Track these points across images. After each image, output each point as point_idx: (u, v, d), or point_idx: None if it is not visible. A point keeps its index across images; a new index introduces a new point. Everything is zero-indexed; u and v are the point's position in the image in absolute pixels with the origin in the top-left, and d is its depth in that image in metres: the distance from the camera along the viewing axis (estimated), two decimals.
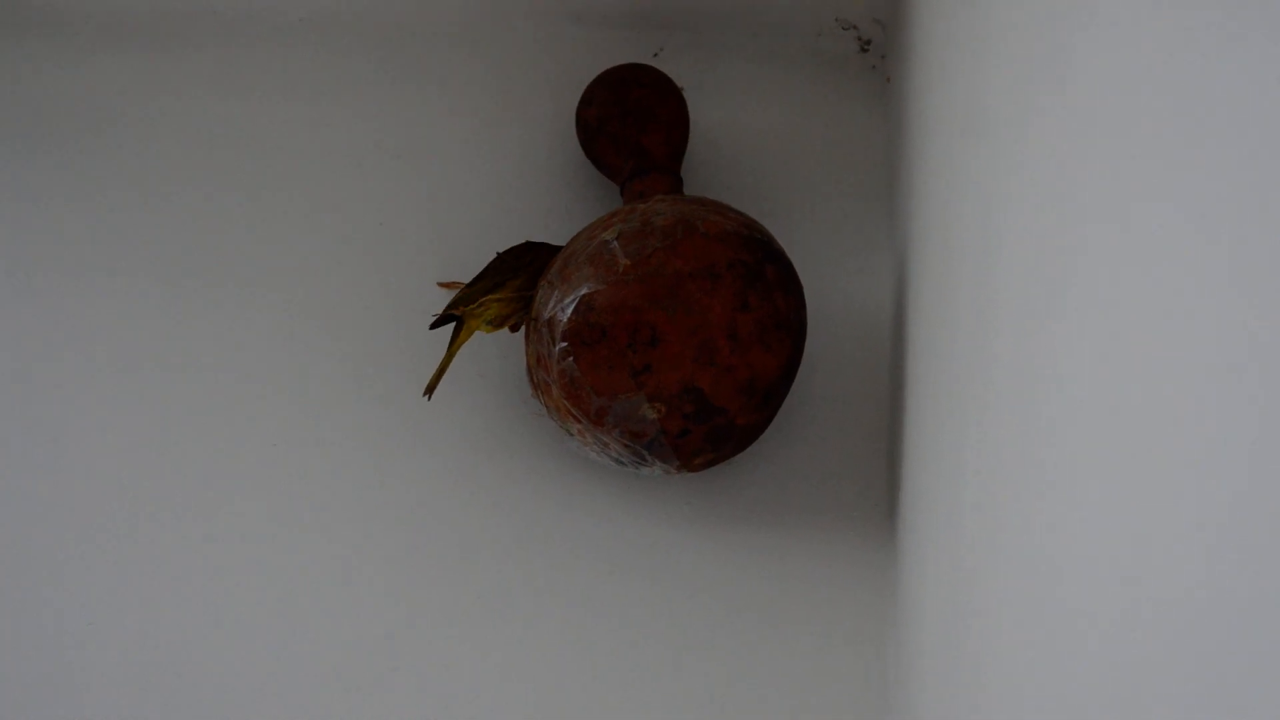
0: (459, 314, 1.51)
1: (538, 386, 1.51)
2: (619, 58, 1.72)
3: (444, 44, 1.75)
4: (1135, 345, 0.73)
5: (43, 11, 1.72)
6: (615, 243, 1.47)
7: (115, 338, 1.61)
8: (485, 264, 1.58)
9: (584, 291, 1.46)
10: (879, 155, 1.71)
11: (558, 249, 1.57)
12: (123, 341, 1.61)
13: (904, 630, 1.42)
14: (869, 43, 1.76)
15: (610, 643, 1.52)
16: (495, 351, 1.62)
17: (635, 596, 1.54)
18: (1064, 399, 0.86)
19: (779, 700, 1.50)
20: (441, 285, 1.59)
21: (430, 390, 1.52)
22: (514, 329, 1.57)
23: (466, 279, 1.59)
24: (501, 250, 1.60)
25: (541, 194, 1.70)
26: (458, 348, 1.52)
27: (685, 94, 1.69)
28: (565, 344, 1.46)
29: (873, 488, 1.57)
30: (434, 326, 1.52)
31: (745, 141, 1.72)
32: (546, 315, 1.48)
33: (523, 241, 1.61)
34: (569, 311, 1.46)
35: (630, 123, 1.63)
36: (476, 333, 1.53)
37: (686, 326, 1.45)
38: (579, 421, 1.47)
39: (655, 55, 1.75)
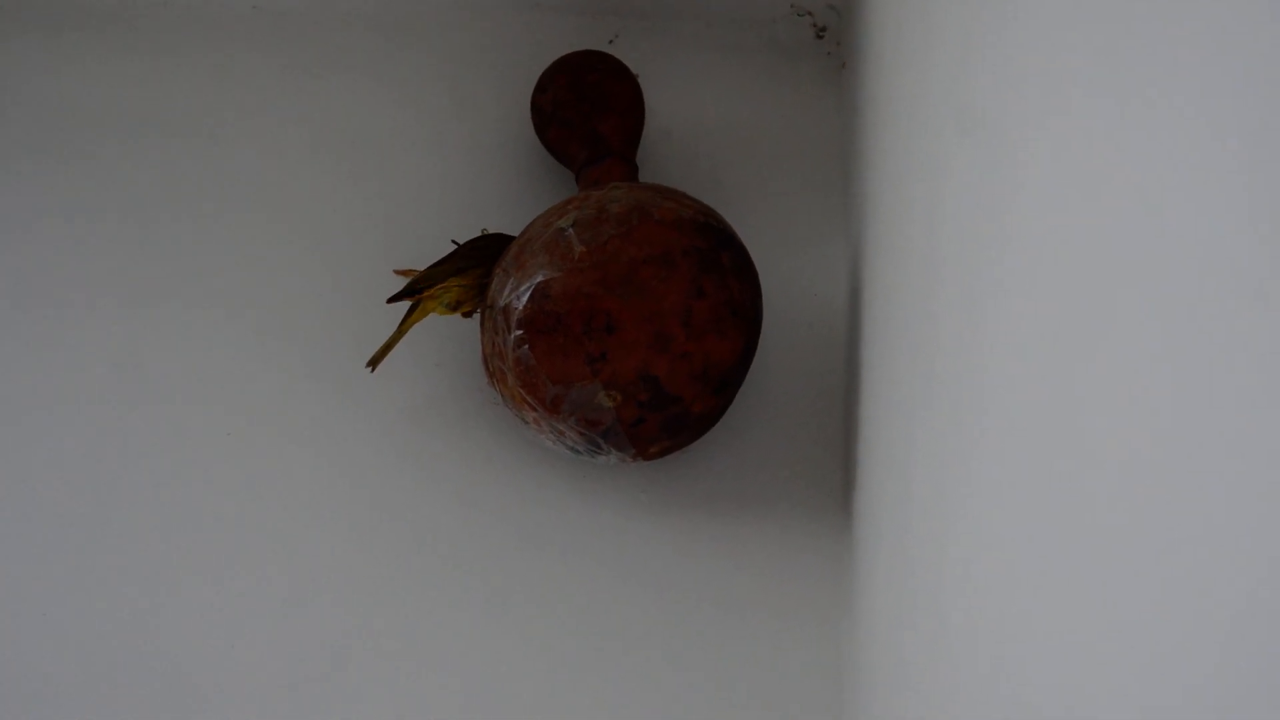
0: (418, 291, 1.52)
1: (493, 375, 1.51)
2: (573, 45, 1.72)
3: (396, 31, 1.75)
4: (1075, 331, 0.74)
5: None
6: (570, 230, 1.47)
7: (67, 335, 1.60)
8: (444, 252, 1.58)
9: (539, 279, 1.45)
10: (834, 142, 1.71)
11: None
12: (74, 338, 1.60)
13: (858, 616, 1.42)
14: (824, 29, 1.76)
15: (566, 631, 1.52)
16: (451, 340, 1.62)
17: (591, 585, 1.54)
18: (1004, 383, 0.86)
19: (735, 687, 1.50)
20: (398, 273, 1.59)
21: (374, 363, 1.52)
22: (468, 314, 1.57)
23: (423, 267, 1.58)
24: (457, 240, 1.60)
25: (496, 182, 1.69)
26: (410, 326, 1.53)
27: (640, 81, 1.69)
28: (520, 332, 1.45)
29: (828, 475, 1.57)
30: (391, 301, 1.52)
31: (700, 128, 1.72)
32: (502, 303, 1.47)
33: (486, 232, 1.61)
34: (524, 299, 1.45)
35: (585, 109, 1.63)
36: (431, 316, 1.53)
37: (642, 313, 1.45)
38: (534, 410, 1.47)
39: (610, 42, 1.75)
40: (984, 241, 0.94)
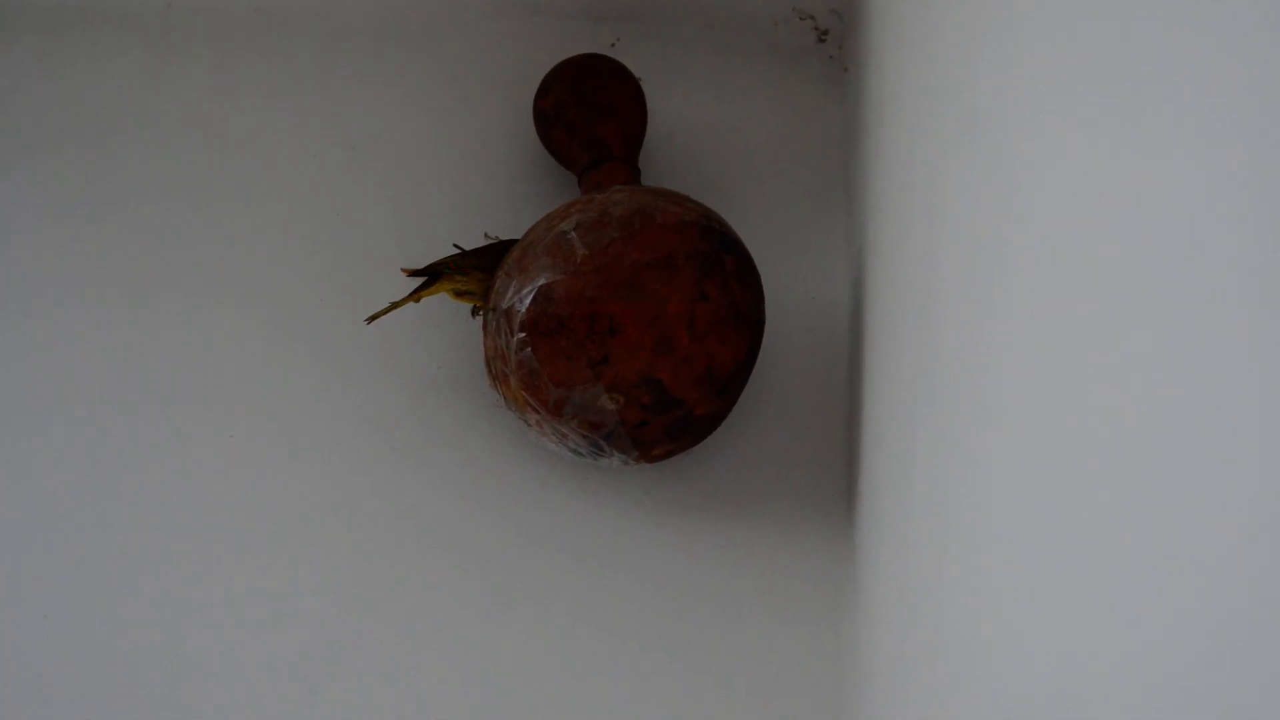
0: (441, 268, 1.53)
1: (496, 377, 1.51)
2: (576, 48, 1.72)
3: (400, 35, 1.75)
4: (1076, 333, 0.74)
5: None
6: (573, 233, 1.47)
7: (67, 332, 1.61)
8: (446, 255, 1.59)
9: (542, 282, 1.46)
10: (837, 146, 1.71)
11: None
12: (75, 336, 1.61)
13: (861, 618, 1.42)
14: (826, 33, 1.76)
15: (568, 633, 1.52)
16: (453, 342, 1.62)
17: (593, 586, 1.54)
18: (1006, 386, 0.87)
19: (737, 688, 1.50)
20: (406, 271, 1.59)
21: (374, 318, 1.54)
22: (475, 314, 1.58)
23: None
24: (460, 244, 1.61)
25: (499, 185, 1.70)
26: (419, 297, 1.54)
27: (642, 85, 1.69)
28: (523, 334, 1.45)
29: (831, 477, 1.57)
30: (411, 273, 1.53)
31: (703, 132, 1.72)
32: (504, 305, 1.48)
33: (488, 236, 1.62)
34: (527, 302, 1.46)
35: (587, 113, 1.63)
36: (436, 310, 1.54)
37: (645, 317, 1.45)
38: (537, 412, 1.47)
39: (612, 46, 1.75)
40: (985, 244, 0.94)
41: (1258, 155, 0.52)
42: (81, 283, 1.63)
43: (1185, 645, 0.58)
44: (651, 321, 1.45)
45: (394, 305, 1.54)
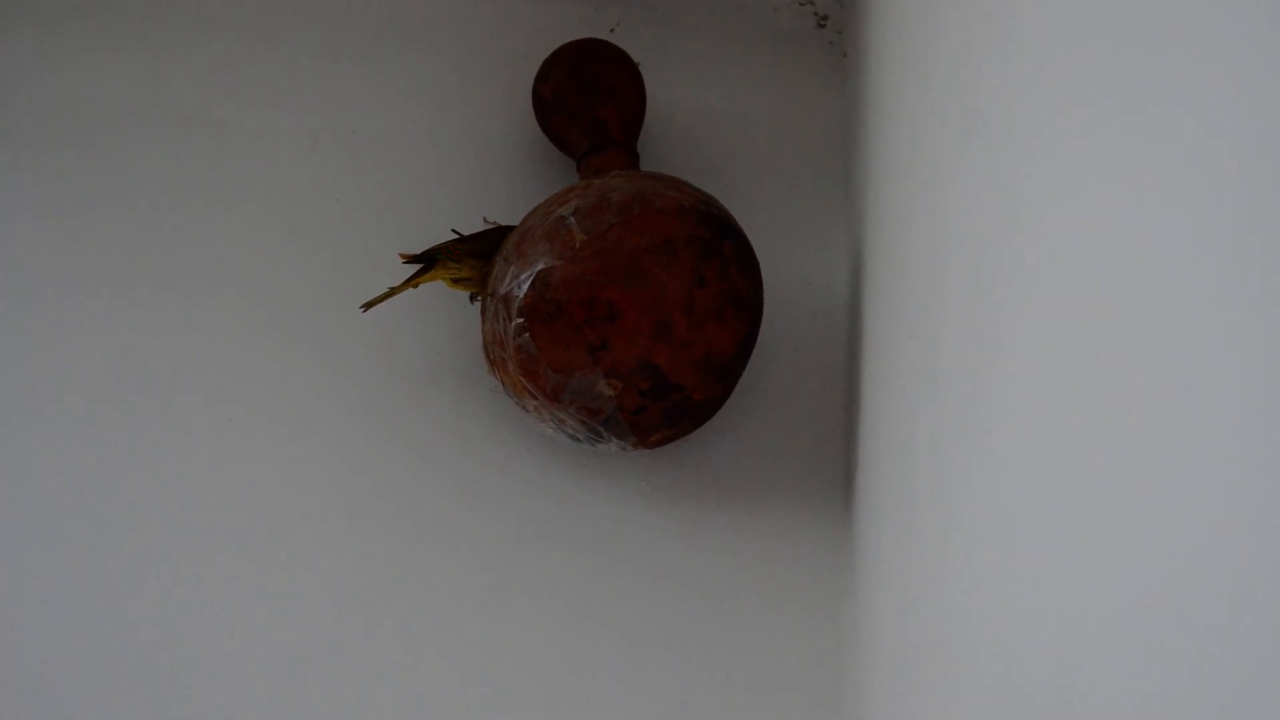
0: (436, 256, 1.53)
1: (494, 363, 1.51)
2: (575, 33, 1.71)
3: (398, 21, 1.74)
4: (1081, 323, 0.74)
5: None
6: (572, 218, 1.47)
7: (66, 322, 1.60)
8: (445, 240, 1.58)
9: (540, 267, 1.45)
10: (836, 131, 1.71)
11: None
12: (74, 326, 1.60)
13: (860, 605, 1.43)
14: (826, 18, 1.76)
15: (565, 619, 1.52)
16: (451, 327, 1.62)
17: (592, 573, 1.54)
18: (1010, 375, 0.86)
19: (734, 675, 1.50)
20: (403, 257, 1.58)
21: (369, 305, 1.53)
22: (473, 299, 1.57)
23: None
24: (458, 229, 1.60)
25: (497, 170, 1.69)
26: (414, 284, 1.54)
27: (642, 70, 1.69)
28: (521, 320, 1.45)
29: (829, 463, 1.57)
30: (408, 260, 1.53)
31: (702, 117, 1.72)
32: (503, 291, 1.47)
33: (487, 221, 1.61)
34: (525, 287, 1.45)
35: (586, 98, 1.63)
36: (434, 296, 1.54)
37: (643, 302, 1.45)
38: (535, 398, 1.47)
39: (611, 31, 1.75)
40: (988, 230, 0.94)
41: (1267, 154, 0.52)
42: (81, 276, 1.62)
43: (1189, 639, 0.58)
44: (650, 307, 1.45)
45: (390, 293, 1.54)
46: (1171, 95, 0.62)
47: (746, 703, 1.49)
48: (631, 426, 1.48)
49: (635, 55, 1.70)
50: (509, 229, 1.56)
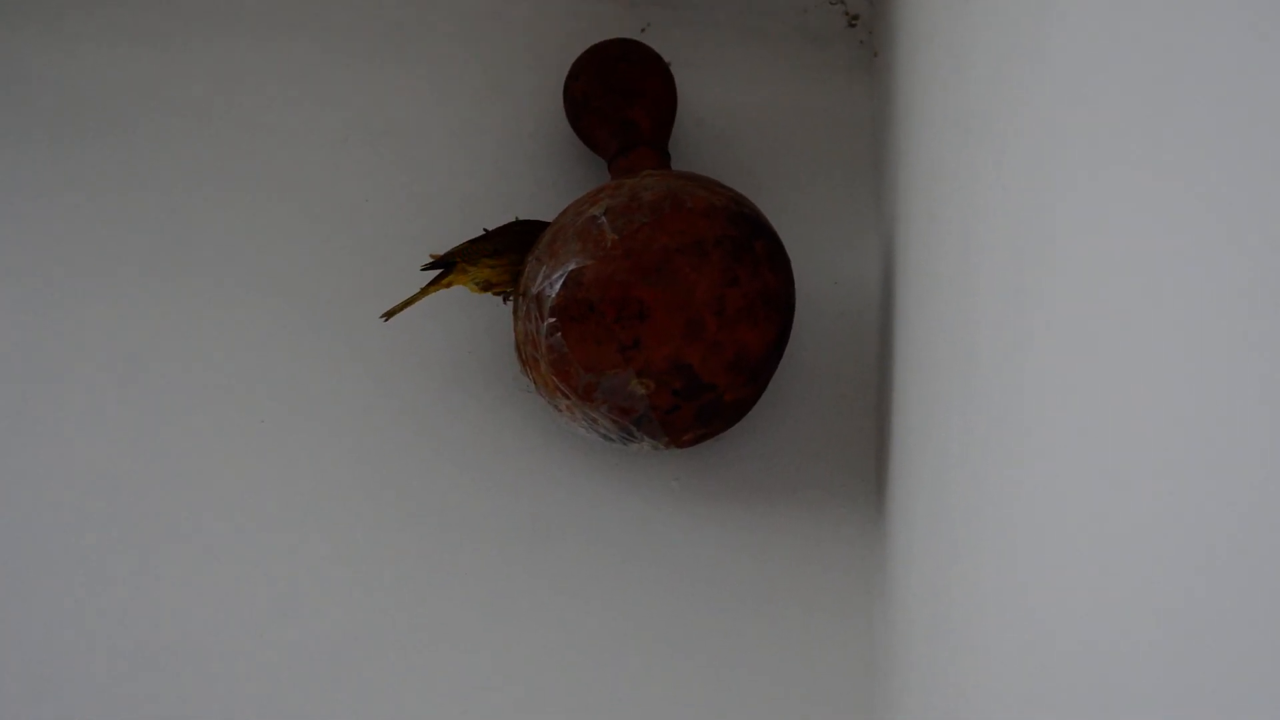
0: (452, 264, 1.53)
1: (526, 362, 1.51)
2: (606, 33, 1.72)
3: (430, 19, 1.75)
4: (1116, 323, 0.73)
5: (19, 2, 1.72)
6: (603, 218, 1.47)
7: (99, 321, 1.61)
8: (458, 244, 1.58)
9: (572, 267, 1.45)
10: (866, 130, 1.71)
11: None
12: (106, 325, 1.61)
13: (892, 605, 1.42)
14: (856, 17, 1.76)
15: (597, 619, 1.52)
16: (484, 327, 1.62)
17: (623, 572, 1.54)
18: (1047, 376, 0.86)
19: (767, 675, 1.50)
20: (433, 258, 1.59)
21: (389, 315, 1.53)
22: (505, 298, 1.58)
23: None
24: (489, 227, 1.61)
25: (529, 170, 1.70)
26: (433, 290, 1.54)
27: (672, 69, 1.69)
28: (553, 319, 1.45)
29: (861, 463, 1.57)
30: (425, 268, 1.53)
31: (732, 117, 1.72)
32: (534, 290, 1.48)
33: (518, 219, 1.61)
34: (557, 287, 1.46)
35: (617, 98, 1.63)
36: (466, 297, 1.54)
37: (675, 302, 1.45)
38: (567, 397, 1.48)
39: (642, 31, 1.75)
40: (1023, 231, 0.93)
41: None
42: (114, 277, 1.63)
43: (1230, 644, 0.58)
44: (681, 306, 1.45)
45: (409, 301, 1.54)
46: (1205, 93, 0.62)
47: (776, 704, 1.49)
48: (664, 426, 1.48)
49: (666, 55, 1.70)
50: (524, 223, 1.56)
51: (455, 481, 1.57)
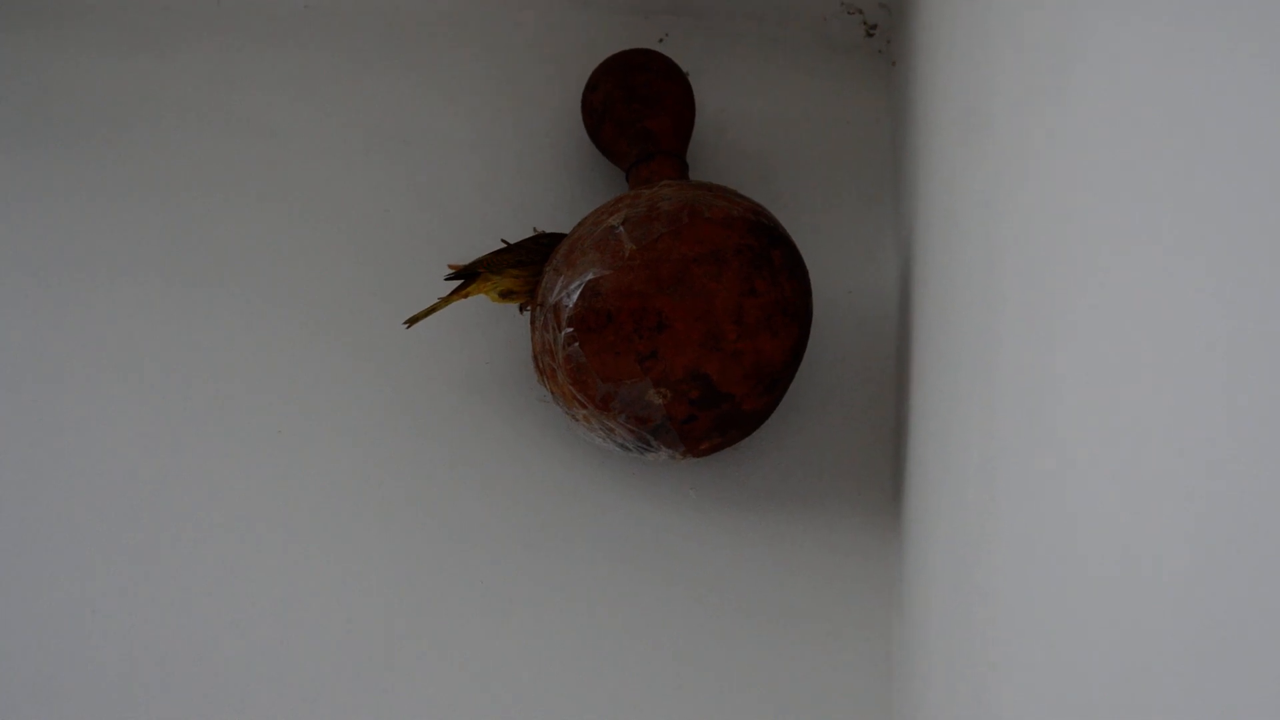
0: (477, 270, 1.53)
1: (543, 372, 1.51)
2: (624, 43, 1.72)
3: (448, 29, 1.75)
4: (1138, 334, 0.73)
5: (39, 4, 1.73)
6: (621, 228, 1.47)
7: (119, 330, 1.61)
8: (495, 249, 1.59)
9: (590, 277, 1.46)
10: (885, 140, 1.71)
11: None
12: (126, 334, 1.61)
13: (909, 616, 1.42)
14: (874, 27, 1.76)
15: (613, 629, 1.52)
16: (501, 337, 1.62)
17: (639, 582, 1.54)
18: (1068, 387, 0.86)
19: (784, 687, 1.50)
20: (452, 268, 1.59)
21: (412, 322, 1.53)
22: (522, 310, 1.58)
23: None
24: (507, 239, 1.61)
25: (547, 180, 1.70)
26: (456, 299, 1.54)
27: (690, 79, 1.69)
28: (571, 329, 1.46)
29: (878, 473, 1.57)
30: (449, 278, 1.54)
31: (750, 127, 1.72)
32: (552, 300, 1.48)
33: (537, 231, 1.62)
34: (575, 297, 1.46)
35: (636, 107, 1.63)
36: (485, 306, 1.54)
37: (693, 312, 1.45)
38: (585, 407, 1.48)
39: (660, 40, 1.75)
40: (1045, 237, 0.93)
41: None
42: (132, 285, 1.63)
43: (1251, 653, 0.57)
44: (699, 316, 1.45)
45: (433, 308, 1.54)
46: (1227, 99, 0.62)
47: (794, 715, 1.49)
48: (681, 435, 1.48)
49: (684, 65, 1.70)
50: (549, 236, 1.57)
51: (472, 491, 1.57)
